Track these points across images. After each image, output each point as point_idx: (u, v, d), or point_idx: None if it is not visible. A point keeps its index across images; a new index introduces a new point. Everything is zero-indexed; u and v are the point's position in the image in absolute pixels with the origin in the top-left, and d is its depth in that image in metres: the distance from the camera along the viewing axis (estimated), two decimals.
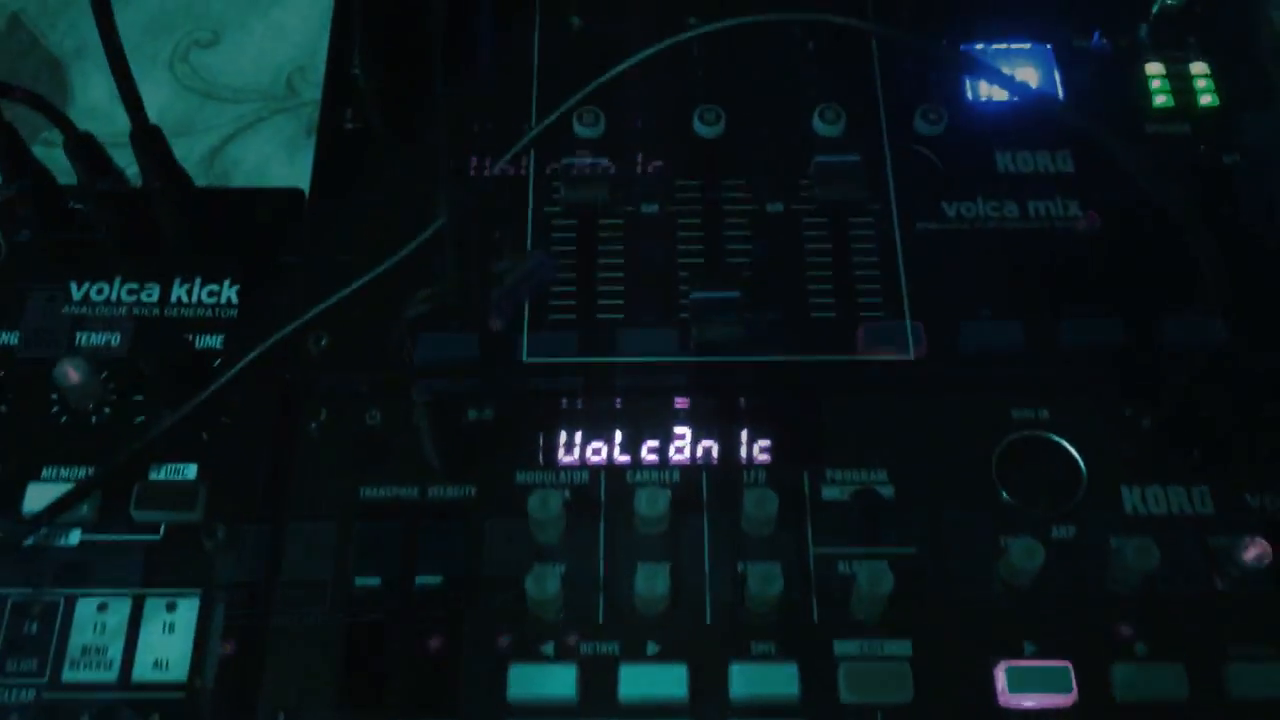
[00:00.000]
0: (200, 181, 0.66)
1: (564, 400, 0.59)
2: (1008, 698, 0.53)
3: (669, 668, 0.53)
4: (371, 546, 0.56)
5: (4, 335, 0.61)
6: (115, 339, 0.61)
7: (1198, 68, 0.68)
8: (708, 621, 0.55)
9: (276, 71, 0.76)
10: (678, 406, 0.59)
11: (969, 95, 0.68)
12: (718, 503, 0.57)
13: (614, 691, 0.53)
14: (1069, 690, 0.53)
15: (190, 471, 0.58)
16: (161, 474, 0.58)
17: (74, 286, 0.63)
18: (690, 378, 0.60)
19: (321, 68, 0.66)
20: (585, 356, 0.60)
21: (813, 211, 0.64)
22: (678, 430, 0.59)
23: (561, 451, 0.58)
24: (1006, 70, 0.66)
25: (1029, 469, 0.58)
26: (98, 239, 0.64)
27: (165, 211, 0.63)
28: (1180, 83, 0.68)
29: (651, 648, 0.54)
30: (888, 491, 0.57)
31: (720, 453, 0.58)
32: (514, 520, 0.56)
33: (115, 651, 0.55)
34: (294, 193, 0.66)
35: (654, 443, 0.59)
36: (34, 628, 0.55)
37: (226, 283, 0.63)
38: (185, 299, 0.63)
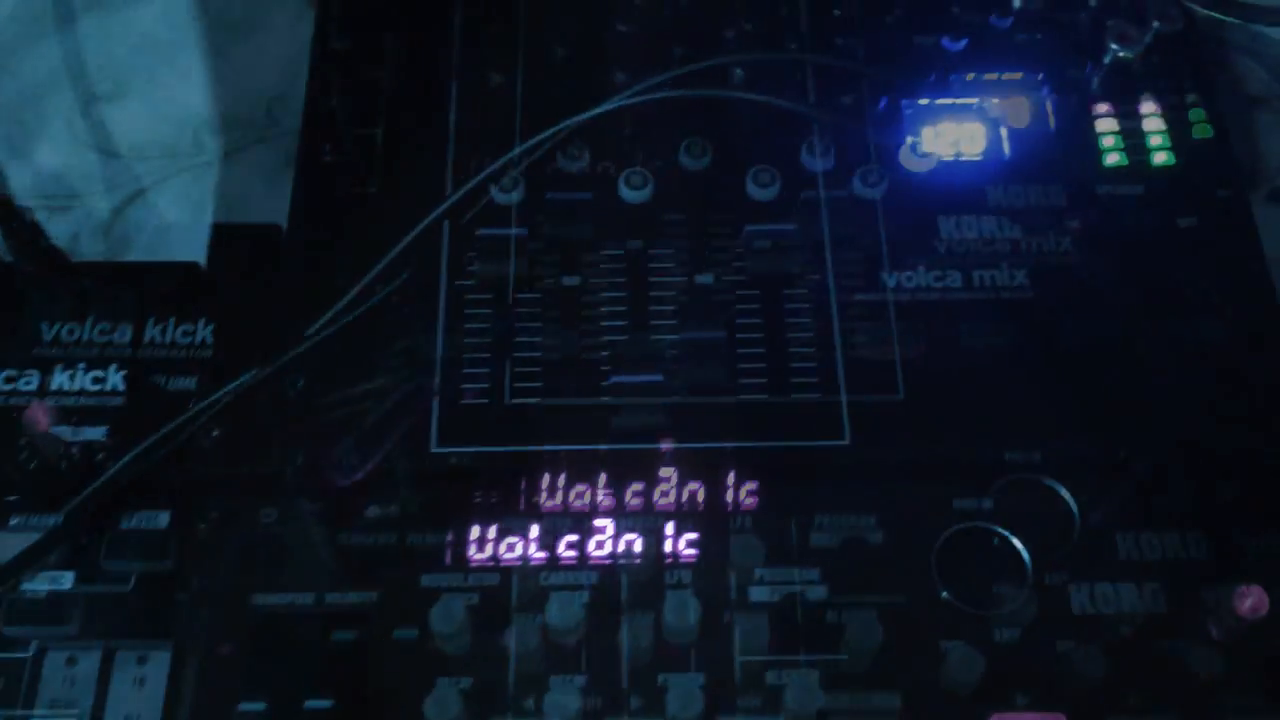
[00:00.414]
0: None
1: (476, 493, 0.56)
2: None
3: None
4: (259, 666, 0.52)
5: None
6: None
7: (1152, 124, 0.65)
8: None
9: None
10: (599, 498, 0.56)
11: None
12: (638, 605, 0.53)
13: None
14: None
15: (163, 520, 0.55)
16: (134, 522, 0.55)
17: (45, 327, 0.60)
18: (609, 466, 0.56)
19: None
20: (500, 446, 0.56)
21: (744, 284, 0.60)
22: (597, 524, 0.55)
23: (473, 549, 0.54)
24: (950, 125, 0.63)
25: (972, 562, 0.54)
26: None
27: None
28: (1133, 140, 0.64)
29: None
30: (818, 593, 0.53)
31: (643, 548, 0.54)
32: (415, 630, 0.52)
33: (85, 706, 0.52)
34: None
35: (572, 537, 0.55)
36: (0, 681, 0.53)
37: (201, 323, 0.61)
38: (159, 339, 0.60)
